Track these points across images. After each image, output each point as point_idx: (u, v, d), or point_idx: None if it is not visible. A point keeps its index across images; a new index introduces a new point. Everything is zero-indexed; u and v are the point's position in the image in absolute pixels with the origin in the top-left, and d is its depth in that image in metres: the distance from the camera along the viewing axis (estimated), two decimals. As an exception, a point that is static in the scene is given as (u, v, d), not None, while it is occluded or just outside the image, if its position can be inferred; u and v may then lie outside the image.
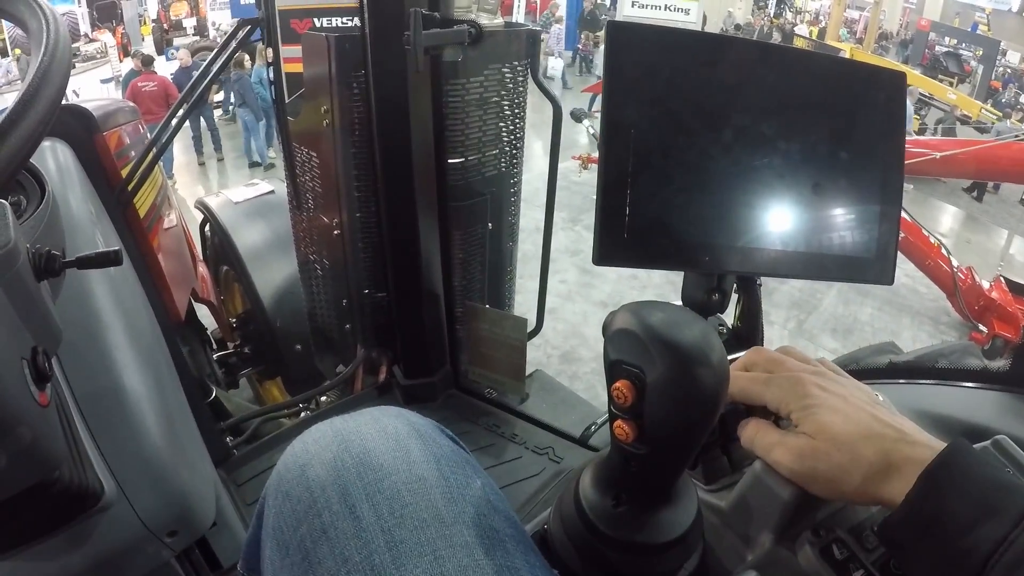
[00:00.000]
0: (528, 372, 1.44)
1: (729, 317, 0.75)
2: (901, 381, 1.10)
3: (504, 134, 1.38)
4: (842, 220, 0.67)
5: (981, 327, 3.65)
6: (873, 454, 0.49)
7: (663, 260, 0.65)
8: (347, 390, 1.62)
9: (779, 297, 2.52)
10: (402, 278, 1.40)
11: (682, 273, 0.70)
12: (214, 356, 2.07)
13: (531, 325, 1.37)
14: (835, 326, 2.35)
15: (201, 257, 2.17)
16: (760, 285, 0.76)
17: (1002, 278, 3.98)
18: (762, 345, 0.78)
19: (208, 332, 2.14)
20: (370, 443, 0.54)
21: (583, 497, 0.53)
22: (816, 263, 0.67)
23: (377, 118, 1.26)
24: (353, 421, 0.58)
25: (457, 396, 1.48)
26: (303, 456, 0.55)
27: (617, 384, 0.45)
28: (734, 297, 0.74)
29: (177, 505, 0.83)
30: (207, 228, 2.31)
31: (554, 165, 1.37)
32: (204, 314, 2.01)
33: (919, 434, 0.52)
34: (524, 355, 1.35)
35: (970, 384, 1.10)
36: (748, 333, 0.75)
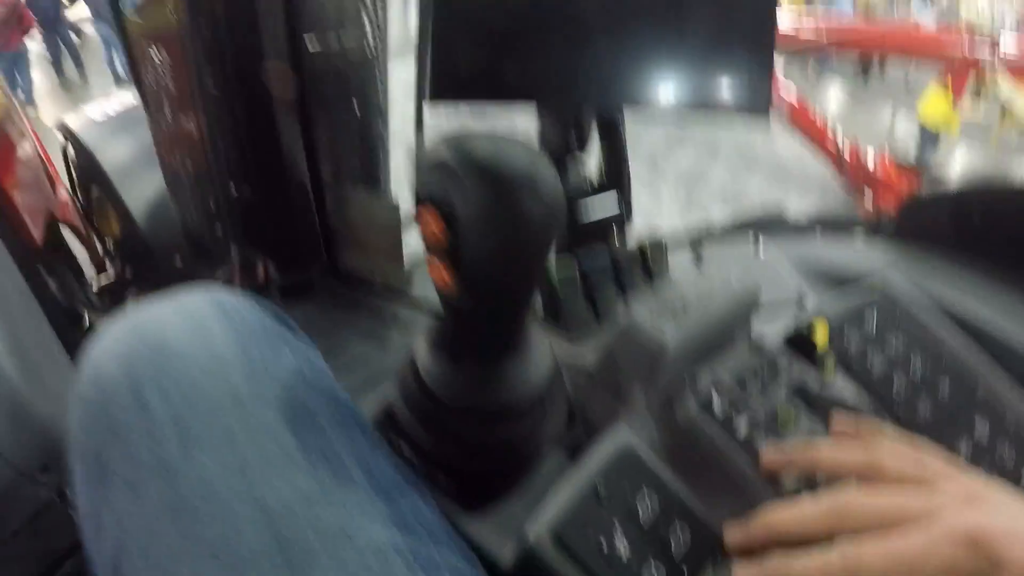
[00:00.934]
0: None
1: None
2: (788, 235, 1.10)
3: (366, 4, 1.30)
4: (711, 44, 0.63)
5: (868, 199, 3.80)
6: None
7: (508, 93, 0.59)
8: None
9: (667, 172, 2.53)
10: (265, 171, 1.33)
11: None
12: (94, 284, 1.96)
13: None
14: (724, 196, 2.38)
15: (66, 182, 2.04)
16: (623, 126, 0.73)
17: (886, 154, 4.16)
18: (628, 190, 0.76)
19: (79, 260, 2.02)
20: (168, 329, 0.47)
21: (419, 363, 0.48)
22: (688, 90, 0.63)
23: (225, 5, 1.17)
24: (153, 308, 0.50)
25: (337, 286, 1.43)
26: (97, 355, 0.47)
27: (423, 214, 0.40)
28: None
29: (40, 437, 0.77)
30: (69, 150, 2.16)
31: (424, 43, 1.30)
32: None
33: None
34: (399, 237, 1.31)
35: (856, 238, 1.12)
36: (613, 178, 0.73)
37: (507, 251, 0.40)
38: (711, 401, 0.52)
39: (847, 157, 3.52)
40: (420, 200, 0.40)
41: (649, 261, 0.62)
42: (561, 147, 0.67)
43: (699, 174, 2.61)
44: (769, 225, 1.14)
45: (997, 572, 0.38)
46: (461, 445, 0.48)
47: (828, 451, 0.48)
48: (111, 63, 6.95)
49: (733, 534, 0.46)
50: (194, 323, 0.48)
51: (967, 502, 0.41)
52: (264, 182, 1.40)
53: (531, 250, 0.41)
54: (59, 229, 1.85)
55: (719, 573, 0.45)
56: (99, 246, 2.11)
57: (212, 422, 0.43)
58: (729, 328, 0.58)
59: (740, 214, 1.19)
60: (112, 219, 2.22)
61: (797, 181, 2.76)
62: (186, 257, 1.73)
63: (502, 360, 0.46)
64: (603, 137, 0.72)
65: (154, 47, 1.35)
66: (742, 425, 0.51)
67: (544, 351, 0.49)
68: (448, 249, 0.39)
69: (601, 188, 0.71)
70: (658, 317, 0.52)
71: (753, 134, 2.97)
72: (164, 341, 0.47)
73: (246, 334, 0.48)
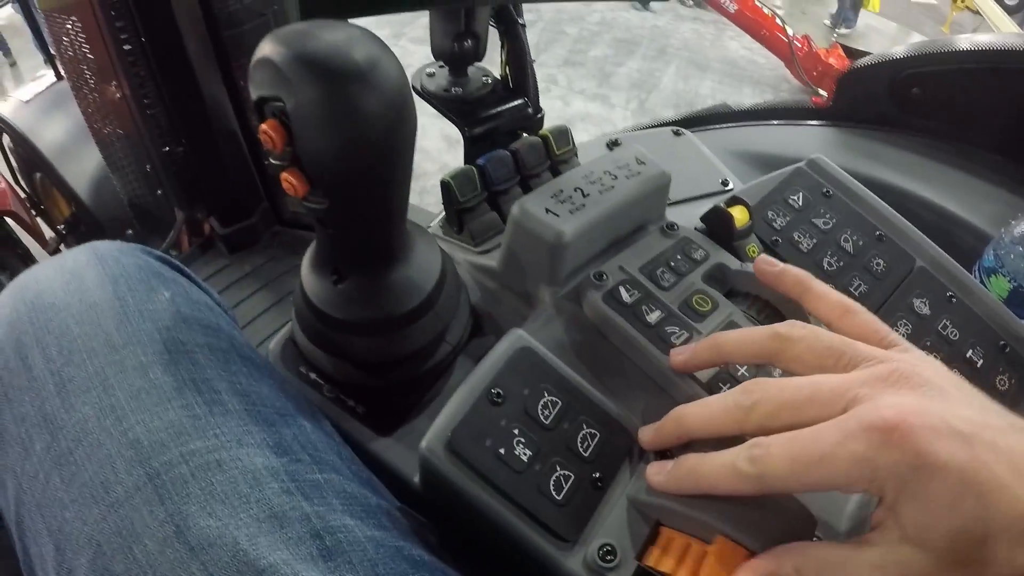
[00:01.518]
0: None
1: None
2: (729, 124, 1.09)
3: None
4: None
5: (821, 91, 3.78)
6: (1014, 561, 0.32)
7: (389, 1, 0.56)
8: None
9: (617, 80, 2.50)
10: (193, 126, 1.31)
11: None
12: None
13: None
14: (677, 102, 2.36)
15: (7, 172, 2.00)
16: (524, 26, 0.71)
17: (839, 44, 4.12)
18: (535, 95, 0.74)
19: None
20: (44, 284, 0.48)
21: (305, 284, 0.47)
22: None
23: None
24: (35, 269, 0.50)
25: (282, 232, 1.42)
26: None
27: (262, 127, 0.38)
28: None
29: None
30: (5, 139, 2.11)
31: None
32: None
33: None
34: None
35: (796, 122, 1.11)
36: (518, 81, 0.71)
37: (351, 151, 0.38)
38: (619, 291, 0.50)
39: (798, 50, 3.48)
40: (254, 103, 0.38)
41: (554, 152, 0.60)
42: (457, 55, 0.65)
43: (650, 82, 2.58)
44: (710, 119, 1.12)
45: (922, 475, 0.32)
46: (357, 364, 0.48)
47: (734, 339, 0.44)
48: (37, 42, 6.70)
49: (646, 434, 0.44)
50: (70, 276, 0.48)
51: (889, 382, 0.36)
52: (195, 137, 1.39)
53: (378, 149, 0.38)
54: (4, 222, 1.82)
55: (635, 475, 0.43)
56: (50, 232, 2.09)
57: (87, 369, 0.43)
58: (639, 214, 0.56)
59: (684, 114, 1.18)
60: (60, 201, 2.18)
61: (750, 80, 2.74)
62: (136, 227, 1.71)
63: (381, 269, 0.45)
64: (504, 42, 0.70)
65: (68, 19, 1.32)
66: (653, 314, 0.49)
67: (430, 257, 0.48)
68: (288, 154, 0.38)
69: (507, 95, 0.70)
70: (556, 205, 0.50)
71: (702, 37, 2.93)
72: (41, 297, 0.47)
73: (120, 279, 0.48)
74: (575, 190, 0.51)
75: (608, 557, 0.39)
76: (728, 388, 0.45)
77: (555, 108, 2.23)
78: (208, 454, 0.39)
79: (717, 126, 1.07)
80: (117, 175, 1.56)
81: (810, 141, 1.05)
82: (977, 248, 0.78)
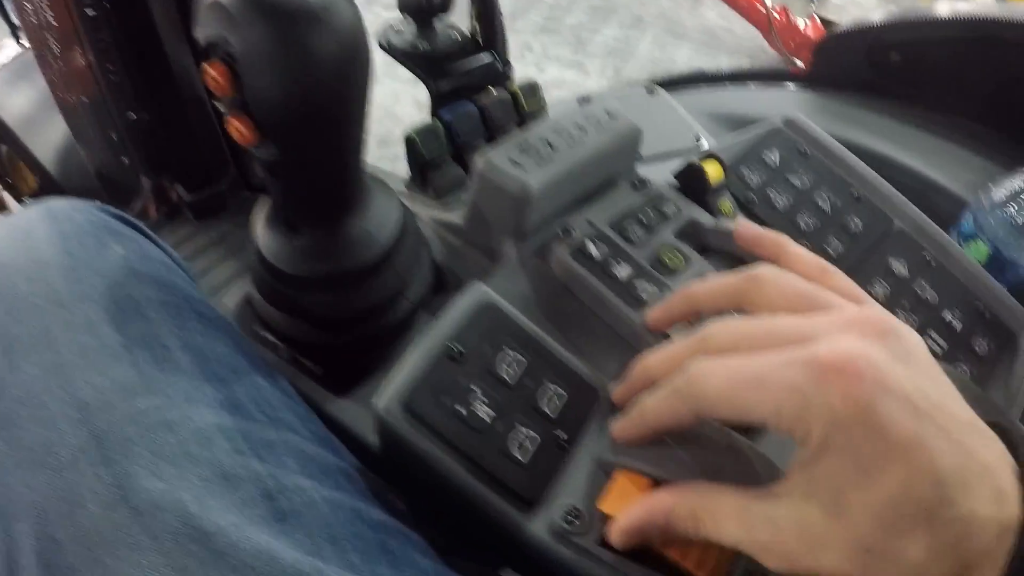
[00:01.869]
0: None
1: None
2: (703, 86, 1.08)
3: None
4: None
5: (798, 62, 3.77)
6: (926, 566, 0.29)
7: None
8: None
9: (593, 48, 2.47)
10: (158, 92, 1.27)
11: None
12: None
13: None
14: (653, 70, 2.33)
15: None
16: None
17: (816, 16, 4.12)
18: (503, 49, 0.72)
19: None
20: None
21: (259, 240, 0.46)
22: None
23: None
24: None
25: (251, 198, 1.39)
26: None
27: (206, 68, 0.36)
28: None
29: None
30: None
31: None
32: None
33: (1009, 501, 0.29)
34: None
35: (773, 85, 1.10)
36: (487, 36, 0.69)
37: (301, 95, 0.36)
38: (587, 245, 0.49)
39: (776, 21, 3.46)
40: (203, 47, 0.36)
41: (523, 107, 0.58)
42: (424, 7, 0.63)
43: (627, 50, 2.55)
44: (685, 80, 1.11)
45: (854, 430, 0.29)
46: (314, 321, 0.46)
47: (705, 287, 0.42)
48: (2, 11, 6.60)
49: (617, 390, 0.43)
50: (20, 233, 0.46)
51: (854, 326, 0.33)
52: (160, 103, 1.33)
53: (331, 93, 0.37)
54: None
55: (602, 435, 0.42)
56: (16, 205, 2.04)
57: (33, 328, 0.41)
58: (608, 168, 0.54)
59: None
60: (26, 174, 2.14)
61: (727, 49, 2.71)
62: (104, 198, 1.67)
63: (336, 222, 0.44)
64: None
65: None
66: (623, 269, 0.48)
67: (389, 210, 0.46)
68: (236, 99, 0.36)
69: (476, 50, 0.68)
70: (522, 157, 0.48)
71: (680, 6, 2.90)
72: None
73: (71, 235, 0.46)
74: (542, 142, 0.50)
75: (572, 519, 0.38)
76: None
77: (528, 74, 2.19)
78: (156, 413, 0.38)
79: (692, 88, 1.05)
80: (83, 144, 1.53)
81: (786, 104, 1.04)
82: (954, 214, 0.78)
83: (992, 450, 0.30)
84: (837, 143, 0.64)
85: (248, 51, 0.34)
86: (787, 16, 3.68)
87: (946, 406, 0.31)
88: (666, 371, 0.38)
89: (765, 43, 3.26)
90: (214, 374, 0.41)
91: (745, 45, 3.04)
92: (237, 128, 0.37)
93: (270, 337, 0.49)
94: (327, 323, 0.46)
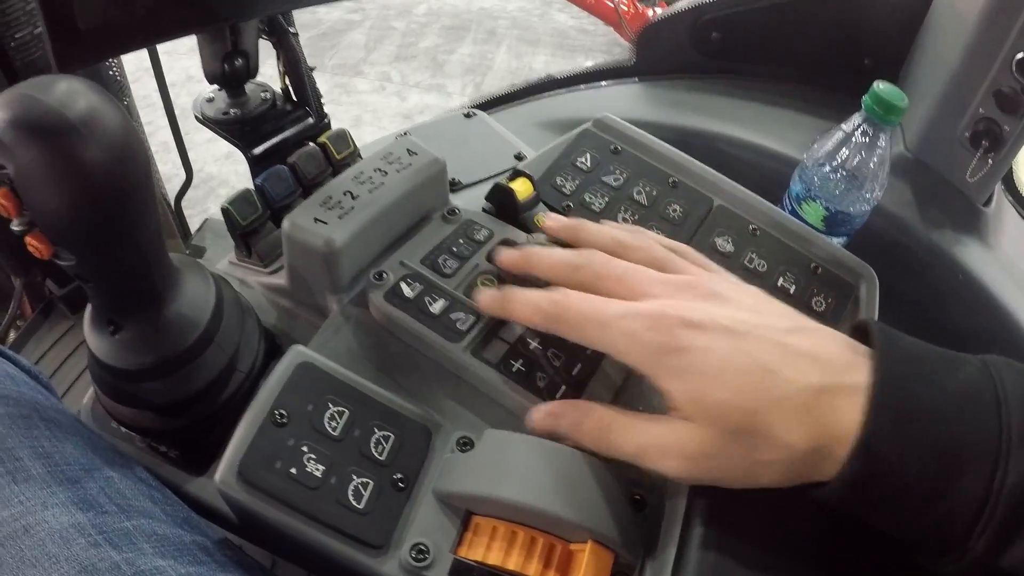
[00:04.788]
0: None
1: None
2: (539, 96, 1.09)
3: None
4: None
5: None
6: (790, 435, 0.37)
7: (141, 37, 0.51)
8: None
9: (450, 68, 2.51)
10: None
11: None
12: None
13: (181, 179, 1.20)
14: (512, 80, 2.37)
15: None
16: (296, 34, 0.70)
17: (665, 2, 4.23)
18: (318, 102, 0.73)
19: None
20: None
21: (87, 339, 0.46)
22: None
23: None
24: None
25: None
26: None
27: None
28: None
29: None
30: None
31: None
32: None
33: (849, 369, 0.38)
34: (169, 212, 1.23)
35: (607, 83, 1.11)
36: (298, 91, 0.70)
37: (79, 206, 0.36)
38: (400, 287, 0.50)
39: (624, 13, 3.56)
40: None
41: (333, 156, 0.58)
42: (230, 75, 0.64)
43: (484, 65, 2.59)
44: (519, 94, 1.12)
45: (675, 357, 0.39)
46: (154, 408, 0.46)
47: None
48: None
49: (503, 258, 0.50)
50: None
51: (679, 288, 0.43)
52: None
53: (109, 198, 0.37)
54: None
55: (439, 469, 0.44)
56: None
57: None
58: (417, 205, 0.55)
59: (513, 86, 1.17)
60: None
61: (583, 48, 2.78)
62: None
63: (152, 312, 0.44)
64: (279, 54, 0.69)
65: None
66: (437, 304, 0.49)
67: (203, 289, 0.46)
68: (24, 219, 0.37)
69: (288, 108, 0.68)
70: (324, 213, 0.49)
71: (530, 14, 2.96)
72: None
73: None
74: (344, 193, 0.51)
75: (421, 556, 0.40)
76: (519, 364, 0.47)
77: (392, 105, 2.21)
78: (15, 521, 0.39)
79: (526, 100, 1.07)
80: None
81: (617, 101, 1.06)
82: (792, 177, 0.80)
83: (814, 338, 0.40)
84: (647, 135, 0.66)
85: (21, 173, 0.35)
86: (635, 6, 3.77)
87: (766, 322, 0.40)
88: (542, 273, 0.48)
89: (619, 36, 3.34)
90: (65, 476, 0.42)
91: (599, 41, 3.12)
92: (32, 244, 0.38)
93: (123, 429, 0.49)
94: (166, 409, 0.46)
